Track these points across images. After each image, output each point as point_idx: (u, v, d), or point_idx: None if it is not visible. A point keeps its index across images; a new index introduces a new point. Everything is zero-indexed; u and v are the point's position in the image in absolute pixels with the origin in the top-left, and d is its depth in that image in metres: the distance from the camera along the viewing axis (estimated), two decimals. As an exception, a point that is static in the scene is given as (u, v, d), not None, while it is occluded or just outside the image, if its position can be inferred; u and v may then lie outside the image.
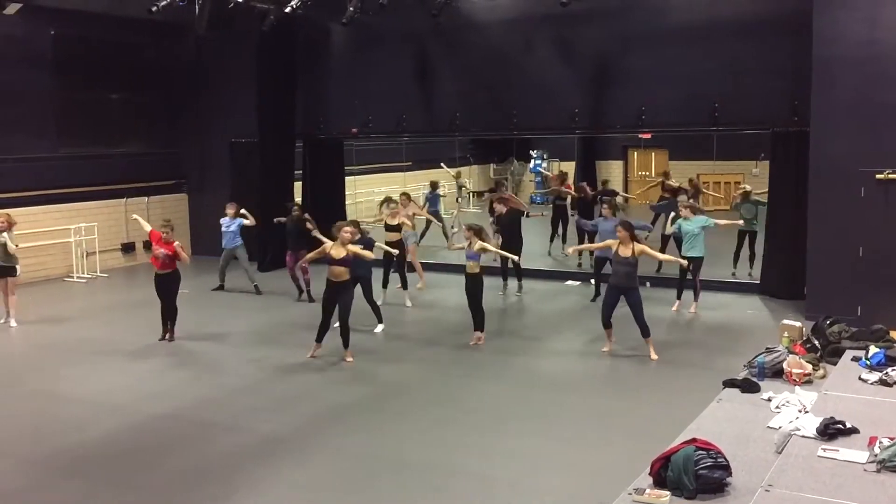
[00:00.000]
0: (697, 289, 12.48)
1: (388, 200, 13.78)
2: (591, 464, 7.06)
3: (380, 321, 11.64)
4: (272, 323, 12.33)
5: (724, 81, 13.36)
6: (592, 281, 13.53)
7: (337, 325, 10.19)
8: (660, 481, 5.43)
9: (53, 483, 6.98)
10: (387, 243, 12.73)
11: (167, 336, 11.21)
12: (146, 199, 17.94)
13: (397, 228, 13.02)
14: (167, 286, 11.16)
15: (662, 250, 12.56)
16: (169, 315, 11.22)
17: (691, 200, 14.06)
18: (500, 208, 13.94)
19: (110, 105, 17.34)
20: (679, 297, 12.55)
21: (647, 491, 5.34)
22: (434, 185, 18.94)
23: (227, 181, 17.80)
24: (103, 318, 13.01)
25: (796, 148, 12.57)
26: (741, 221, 13.63)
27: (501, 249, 12.18)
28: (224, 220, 14.30)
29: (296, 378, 9.68)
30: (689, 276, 12.29)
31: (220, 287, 14.62)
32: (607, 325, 10.14)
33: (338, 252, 10.02)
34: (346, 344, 10.16)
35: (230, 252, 14.32)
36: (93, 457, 7.46)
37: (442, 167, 20.11)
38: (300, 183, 18.02)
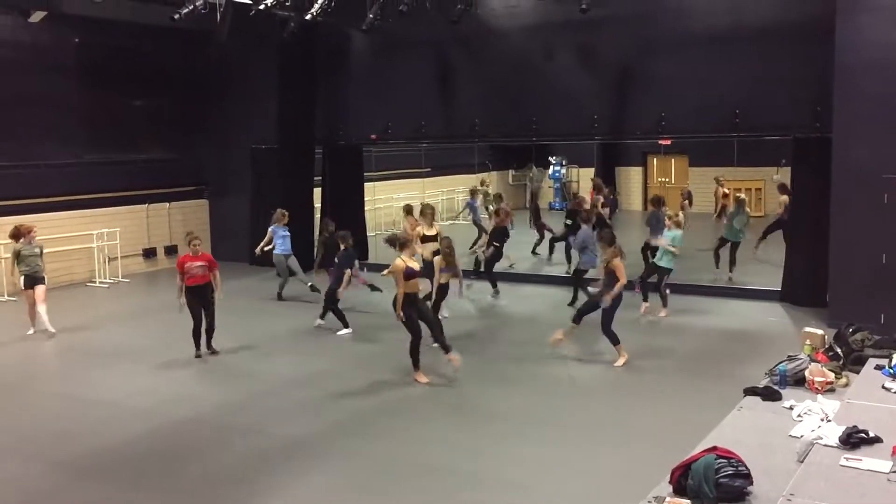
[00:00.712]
0: (664, 296, 12.68)
1: (426, 208, 13.61)
2: (610, 471, 7.05)
3: (345, 326, 11.89)
4: (293, 329, 12.37)
5: (745, 87, 13.28)
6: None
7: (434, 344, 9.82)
8: (680, 489, 5.40)
9: (79, 485, 7.07)
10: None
11: (209, 350, 10.83)
12: (167, 205, 18.11)
13: (434, 238, 12.69)
14: (206, 297, 10.65)
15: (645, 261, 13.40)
16: (209, 329, 10.78)
17: (680, 213, 14.10)
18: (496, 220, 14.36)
19: (133, 112, 17.54)
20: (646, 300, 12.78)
21: (667, 499, 5.31)
22: (473, 193, 18.97)
23: (247, 187, 17.94)
24: (126, 323, 13.12)
25: (818, 154, 12.46)
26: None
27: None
28: (277, 228, 14.10)
29: (317, 383, 9.71)
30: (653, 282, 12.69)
31: (279, 296, 14.35)
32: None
33: (414, 263, 9.53)
34: (447, 348, 9.64)
35: (285, 259, 14.09)
36: (117, 460, 7.55)
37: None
38: (319, 189, 18.13)
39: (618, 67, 14.73)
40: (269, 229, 14.20)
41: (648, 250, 13.91)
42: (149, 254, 17.83)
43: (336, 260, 12.02)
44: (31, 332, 12.10)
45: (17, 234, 12.07)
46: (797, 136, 13.04)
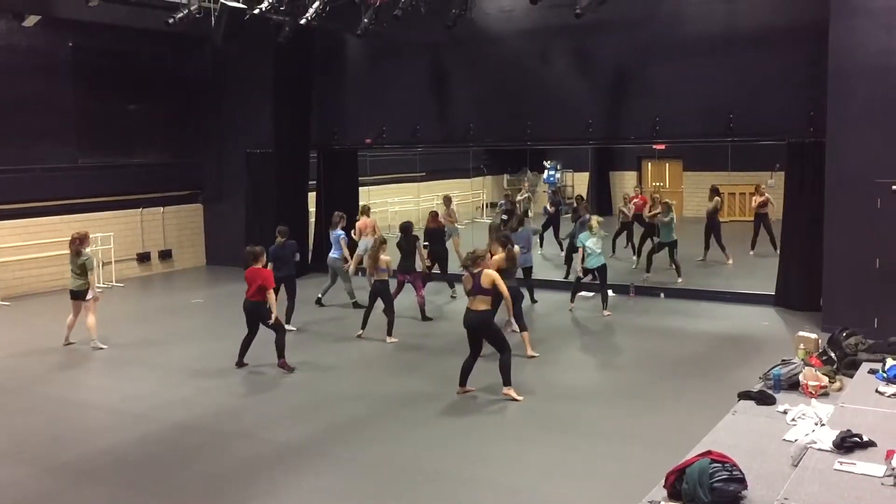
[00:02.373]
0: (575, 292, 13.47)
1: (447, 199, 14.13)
2: (605, 475, 7.05)
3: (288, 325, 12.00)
4: (290, 332, 12.33)
5: (739, 92, 13.32)
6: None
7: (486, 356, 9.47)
8: (674, 494, 5.40)
9: (73, 490, 7.05)
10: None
11: (243, 362, 10.62)
12: (162, 209, 18.08)
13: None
14: (260, 316, 10.43)
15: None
16: (250, 342, 10.61)
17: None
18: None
19: (128, 116, 17.51)
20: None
21: (662, 503, 5.31)
22: (507, 196, 19.09)
23: (242, 192, 17.93)
24: (120, 328, 13.07)
25: (812, 159, 12.52)
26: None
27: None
28: (339, 233, 13.69)
29: (312, 387, 9.71)
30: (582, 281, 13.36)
31: (320, 301, 14.09)
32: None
33: (486, 280, 9.02)
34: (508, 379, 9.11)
35: (343, 263, 13.67)
36: (112, 464, 7.53)
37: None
38: (314, 193, 18.13)
39: (612, 72, 14.77)
40: (333, 234, 13.71)
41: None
42: (143, 258, 17.79)
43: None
44: (70, 342, 11.73)
45: (82, 241, 11.78)
46: (791, 140, 13.08)
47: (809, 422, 6.61)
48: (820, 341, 8.81)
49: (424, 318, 12.80)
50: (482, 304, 8.87)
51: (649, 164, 25.46)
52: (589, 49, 14.73)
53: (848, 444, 5.93)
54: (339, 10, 14.54)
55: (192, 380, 10.14)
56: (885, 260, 11.00)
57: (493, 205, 27.35)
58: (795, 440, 6.18)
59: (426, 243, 14.22)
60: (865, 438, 5.99)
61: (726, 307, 13.38)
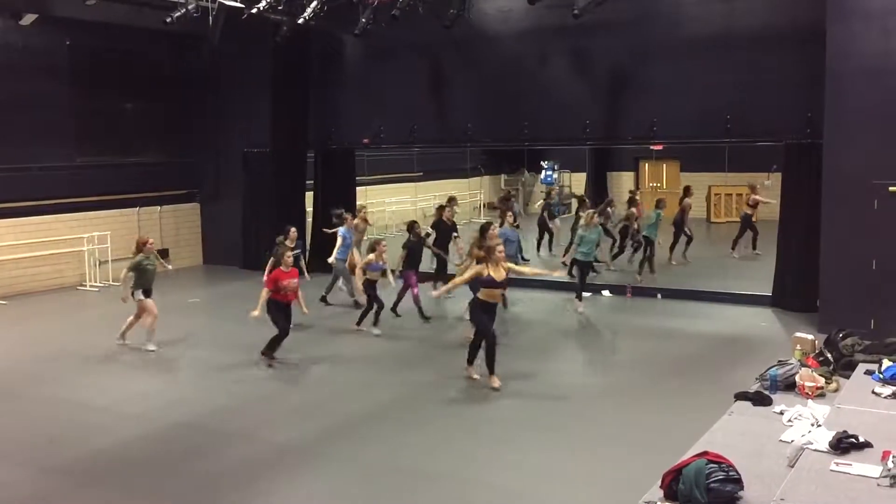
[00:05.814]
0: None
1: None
2: (602, 476, 7.06)
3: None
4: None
5: (736, 93, 13.32)
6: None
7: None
8: (671, 494, 5.40)
9: (70, 491, 7.03)
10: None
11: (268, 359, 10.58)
12: (159, 208, 18.06)
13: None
14: (290, 314, 10.69)
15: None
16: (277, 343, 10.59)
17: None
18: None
19: (125, 115, 17.49)
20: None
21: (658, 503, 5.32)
22: (549, 195, 18.99)
23: (239, 191, 17.91)
24: (117, 327, 13.01)
25: (809, 160, 12.53)
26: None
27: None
28: (346, 231, 13.68)
29: (310, 388, 9.71)
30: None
31: (325, 299, 13.92)
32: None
33: (499, 274, 9.19)
34: (493, 368, 9.46)
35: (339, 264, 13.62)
36: (109, 465, 7.51)
37: None
38: (311, 192, 18.11)
39: (610, 72, 14.77)
40: (340, 232, 13.67)
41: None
42: (140, 257, 17.74)
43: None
44: (152, 347, 11.28)
45: (140, 248, 11.48)
46: (788, 142, 13.10)
47: (806, 423, 6.62)
48: (816, 342, 8.81)
49: (423, 317, 12.75)
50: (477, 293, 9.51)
51: (647, 164, 25.46)
52: (587, 49, 14.73)
53: (844, 444, 5.94)
54: (337, 9, 14.52)
55: (189, 379, 10.14)
56: (881, 261, 11.01)
57: (490, 205, 27.37)
58: (792, 441, 6.19)
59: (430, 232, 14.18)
60: (862, 439, 6.00)
61: (723, 308, 13.39)
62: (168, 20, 13.96)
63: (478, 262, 9.31)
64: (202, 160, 18.69)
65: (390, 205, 22.09)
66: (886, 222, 10.89)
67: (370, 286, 11.99)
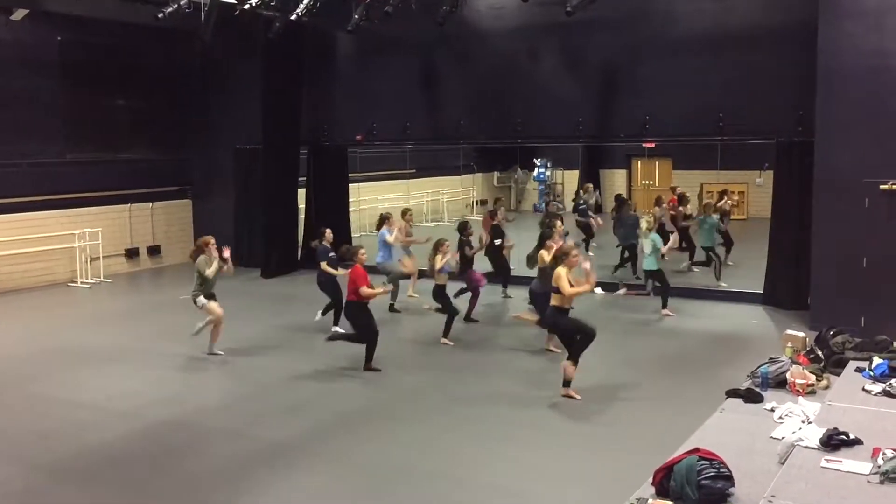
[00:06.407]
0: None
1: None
2: (593, 473, 7.07)
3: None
4: (280, 329, 12.33)
5: (728, 91, 13.35)
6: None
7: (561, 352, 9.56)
8: (662, 491, 5.42)
9: (59, 489, 7.01)
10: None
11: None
12: (150, 204, 18.00)
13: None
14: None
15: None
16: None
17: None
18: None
19: (116, 111, 17.42)
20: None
21: (650, 501, 5.33)
22: (580, 192, 18.83)
23: (231, 188, 17.86)
24: (108, 324, 13.03)
25: (801, 158, 12.56)
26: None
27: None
28: (385, 233, 13.11)
29: (302, 385, 9.68)
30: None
31: (393, 308, 13.26)
32: None
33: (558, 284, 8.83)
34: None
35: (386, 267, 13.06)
36: (100, 462, 7.49)
37: None
38: (304, 189, 18.08)
39: (603, 70, 14.78)
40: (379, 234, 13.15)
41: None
42: (131, 254, 17.70)
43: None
44: (221, 353, 10.89)
45: (201, 249, 10.86)
46: (780, 140, 13.13)
47: (796, 420, 6.64)
48: (807, 340, 8.85)
49: (470, 319, 12.30)
50: (553, 301, 8.96)
51: (639, 162, 25.51)
52: (579, 47, 14.73)
53: (834, 441, 5.97)
54: (330, 5, 14.51)
55: (180, 377, 10.10)
56: (872, 259, 11.05)
57: (483, 202, 27.38)
58: (782, 438, 6.21)
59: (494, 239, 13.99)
60: (852, 436, 6.03)
61: (715, 305, 13.42)
62: (160, 16, 13.91)
63: (555, 266, 8.97)
64: (194, 156, 18.63)
65: (383, 202, 22.05)
66: (877, 220, 10.93)
67: (442, 292, 11.27)
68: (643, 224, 12.98)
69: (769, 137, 13.35)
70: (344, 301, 10.55)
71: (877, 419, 6.62)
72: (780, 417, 6.80)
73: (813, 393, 7.52)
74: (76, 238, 16.32)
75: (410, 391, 9.41)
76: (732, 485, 5.37)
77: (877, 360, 8.02)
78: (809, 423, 6.54)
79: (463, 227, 12.67)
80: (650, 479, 5.54)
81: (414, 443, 7.86)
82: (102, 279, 16.51)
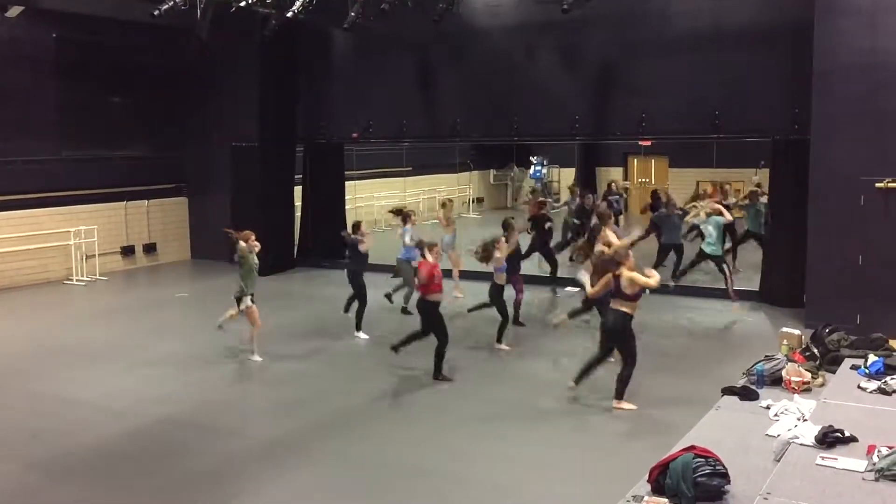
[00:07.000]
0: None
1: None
2: (589, 470, 7.08)
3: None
4: (276, 327, 12.29)
5: (724, 89, 13.36)
6: None
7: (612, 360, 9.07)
8: (658, 489, 5.42)
9: (54, 487, 6.98)
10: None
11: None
12: (146, 202, 17.96)
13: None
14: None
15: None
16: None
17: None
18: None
19: (112, 108, 17.35)
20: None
21: (646, 498, 5.33)
22: (611, 186, 18.69)
23: (227, 185, 17.82)
24: (104, 322, 13.00)
25: (796, 156, 12.57)
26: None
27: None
28: (408, 229, 12.61)
29: (299, 383, 9.66)
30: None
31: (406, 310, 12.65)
32: None
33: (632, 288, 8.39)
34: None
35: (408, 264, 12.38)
36: (94, 460, 7.47)
37: None
38: (300, 187, 18.06)
39: (599, 68, 14.78)
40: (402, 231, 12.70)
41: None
42: (127, 252, 17.67)
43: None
44: (258, 358, 10.48)
45: (245, 241, 10.35)
46: (776, 138, 13.15)
47: (792, 417, 6.66)
48: (803, 337, 8.87)
49: (518, 322, 11.89)
50: (622, 307, 8.47)
51: (635, 160, 25.55)
52: (576, 45, 14.72)
53: (830, 439, 5.98)
54: (326, 3, 14.47)
55: (176, 375, 10.08)
56: (868, 257, 11.07)
57: (480, 200, 27.39)
58: (778, 435, 6.23)
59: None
60: (847, 434, 6.04)
61: (710, 303, 13.43)
62: (156, 13, 13.86)
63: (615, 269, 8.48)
64: (190, 154, 18.58)
65: (379, 199, 22.07)
66: (873, 218, 10.95)
67: (499, 293, 10.74)
68: (701, 212, 12.75)
69: (765, 135, 13.37)
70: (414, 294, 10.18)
71: (872, 417, 6.63)
72: (776, 415, 6.81)
73: (808, 390, 7.54)
74: (72, 235, 16.28)
75: (406, 390, 9.39)
76: (728, 482, 5.38)
77: (872, 358, 8.03)
78: (805, 420, 6.55)
79: (508, 225, 11.75)
80: (646, 477, 5.54)
81: (411, 441, 7.86)
82: (98, 277, 16.47)
